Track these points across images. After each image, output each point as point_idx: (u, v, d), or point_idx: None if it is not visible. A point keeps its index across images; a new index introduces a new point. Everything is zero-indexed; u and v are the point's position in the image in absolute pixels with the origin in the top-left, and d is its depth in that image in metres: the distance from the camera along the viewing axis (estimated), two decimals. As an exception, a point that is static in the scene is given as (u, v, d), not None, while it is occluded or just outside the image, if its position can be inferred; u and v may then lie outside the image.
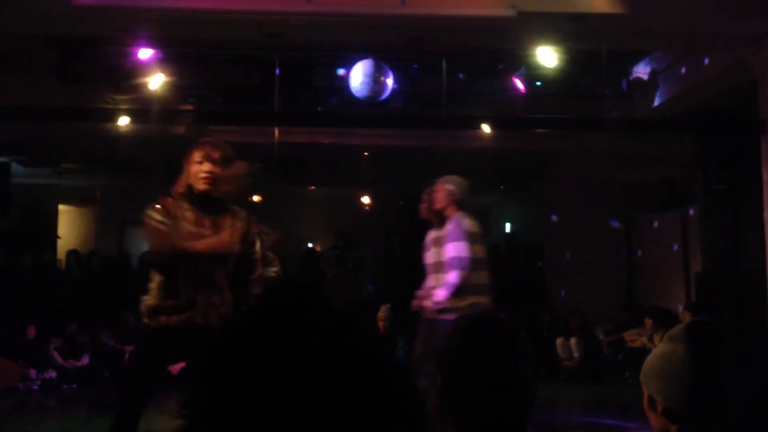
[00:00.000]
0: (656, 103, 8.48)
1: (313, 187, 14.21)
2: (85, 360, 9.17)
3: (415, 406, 0.72)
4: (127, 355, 9.35)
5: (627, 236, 11.44)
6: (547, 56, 7.61)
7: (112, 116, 8.24)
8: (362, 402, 0.69)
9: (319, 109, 8.65)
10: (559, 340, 9.86)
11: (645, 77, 8.64)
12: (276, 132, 8.52)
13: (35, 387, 8.72)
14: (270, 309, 0.74)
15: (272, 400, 0.68)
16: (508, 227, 15.38)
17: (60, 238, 13.23)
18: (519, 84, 8.32)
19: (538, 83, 8.52)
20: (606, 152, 10.17)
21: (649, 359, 1.77)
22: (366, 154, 11.01)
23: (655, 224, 11.03)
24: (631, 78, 8.84)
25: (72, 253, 11.70)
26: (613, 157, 10.35)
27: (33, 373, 8.72)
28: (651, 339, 8.86)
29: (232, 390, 0.69)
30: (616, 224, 10.93)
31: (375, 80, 7.82)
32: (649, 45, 7.84)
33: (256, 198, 13.57)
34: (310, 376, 0.68)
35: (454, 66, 8.24)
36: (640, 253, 11.33)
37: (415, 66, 8.30)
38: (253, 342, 0.71)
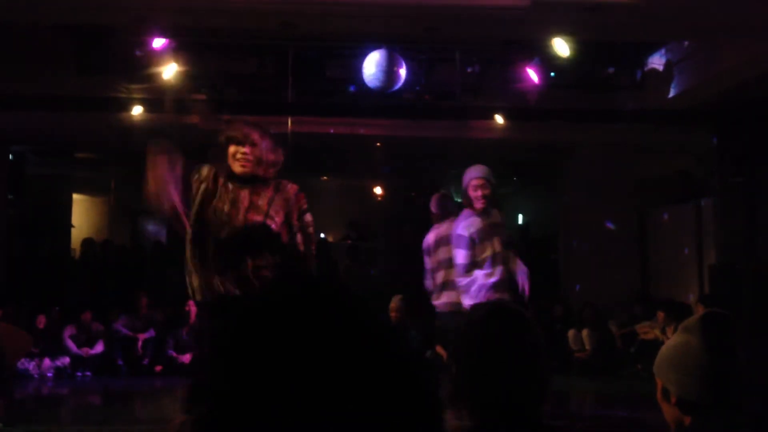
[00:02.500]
0: (671, 94, 8.41)
1: (325, 178, 14.21)
2: (99, 348, 9.24)
3: (432, 392, 0.72)
4: (140, 343, 9.42)
5: (641, 228, 11.38)
6: (561, 47, 7.56)
7: (126, 106, 8.28)
8: (381, 389, 0.69)
9: (332, 100, 8.65)
10: (571, 332, 9.84)
11: (660, 68, 8.57)
12: (289, 122, 8.52)
13: (49, 374, 8.80)
14: (286, 294, 0.73)
15: (288, 387, 0.68)
16: (520, 219, 15.33)
17: (74, 227, 13.31)
18: (533, 75, 8.27)
19: (552, 74, 8.47)
20: (620, 144, 10.11)
21: (663, 350, 1.76)
22: (378, 144, 10.99)
23: (670, 217, 10.97)
24: (645, 69, 8.76)
25: (87, 242, 11.78)
26: (627, 148, 10.29)
27: (47, 361, 8.80)
28: (664, 331, 8.83)
29: (247, 376, 0.69)
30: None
31: (388, 71, 7.80)
32: (665, 35, 7.77)
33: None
34: (328, 363, 0.68)
35: (468, 56, 8.20)
36: (653, 245, 11.27)
37: (429, 56, 8.26)
38: (268, 328, 0.70)
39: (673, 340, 1.79)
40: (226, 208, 3.38)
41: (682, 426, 1.67)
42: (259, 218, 3.39)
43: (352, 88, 8.07)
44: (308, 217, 3.54)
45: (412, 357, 0.72)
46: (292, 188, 3.54)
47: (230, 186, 3.44)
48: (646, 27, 6.93)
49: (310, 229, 3.53)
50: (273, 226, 3.40)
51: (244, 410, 0.68)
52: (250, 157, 3.45)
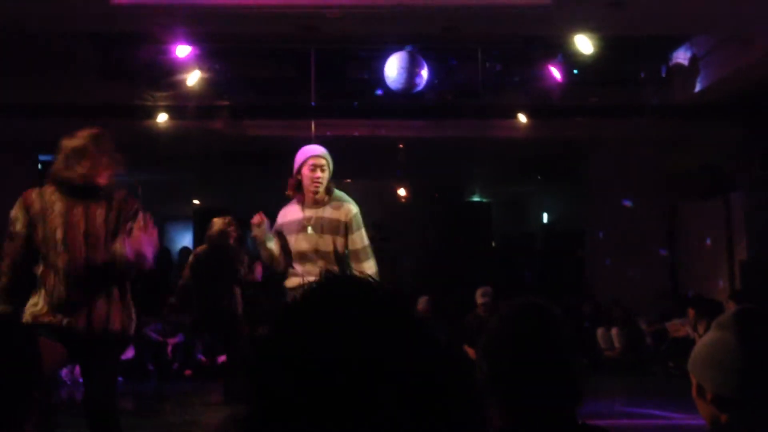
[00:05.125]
0: (697, 88, 8.32)
1: (348, 180, 14.24)
2: (129, 353, 9.33)
3: (472, 387, 0.72)
4: (170, 348, 9.50)
5: (669, 224, 11.26)
6: (584, 43, 7.50)
7: (151, 113, 8.37)
8: (422, 386, 0.69)
9: (354, 102, 8.67)
10: (599, 331, 9.76)
11: (685, 63, 8.48)
12: (312, 125, 8.56)
13: (80, 380, 8.89)
14: (327, 293, 0.74)
15: (330, 384, 0.68)
16: (545, 217, 15.26)
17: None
18: (555, 72, 8.22)
19: (576, 71, 8.41)
20: (646, 139, 10.02)
21: (698, 347, 1.74)
22: (401, 146, 11.00)
23: (698, 211, 10.84)
24: (670, 64, 8.68)
25: (115, 248, 11.90)
26: (653, 144, 10.19)
27: (79, 367, 8.91)
28: (695, 329, 8.72)
29: (290, 375, 0.69)
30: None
31: (410, 72, 7.80)
32: (689, 29, 7.69)
33: (291, 191, 13.65)
34: (370, 359, 0.68)
35: (490, 55, 8.18)
36: (682, 241, 11.14)
37: (450, 56, 8.25)
38: (311, 326, 0.71)
39: (707, 337, 1.77)
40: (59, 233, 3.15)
41: (718, 423, 1.64)
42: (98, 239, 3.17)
43: (379, 92, 8.07)
44: (141, 217, 3.31)
45: (456, 355, 0.72)
46: (118, 195, 3.33)
47: (59, 203, 3.19)
48: (670, 21, 6.86)
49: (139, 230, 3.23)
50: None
51: (288, 410, 0.68)
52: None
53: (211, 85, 8.09)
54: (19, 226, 3.20)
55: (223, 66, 8.06)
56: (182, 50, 7.56)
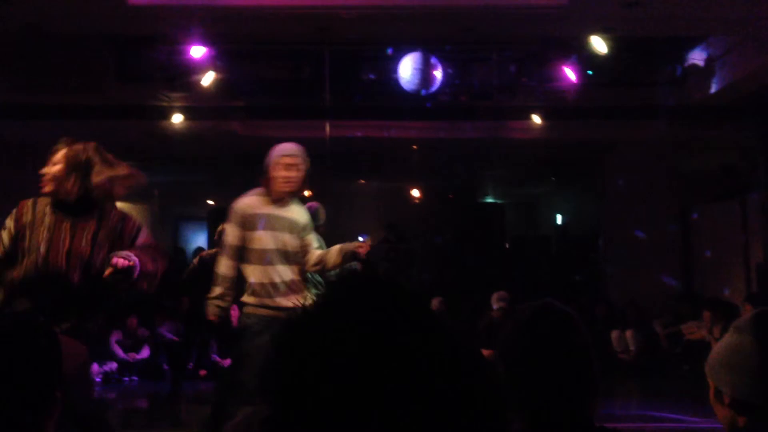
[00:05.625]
0: (713, 89, 8.27)
1: (362, 181, 14.26)
2: (144, 353, 9.39)
3: (496, 388, 0.73)
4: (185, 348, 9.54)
5: (684, 226, 11.19)
6: (599, 44, 7.48)
7: (167, 113, 8.41)
8: (447, 386, 0.69)
9: (368, 103, 8.67)
10: (614, 333, 9.71)
11: (701, 63, 8.43)
12: (327, 126, 8.57)
13: (97, 379, 8.97)
14: (348, 293, 0.74)
15: (352, 384, 0.68)
16: (559, 219, 15.20)
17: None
18: (570, 73, 8.19)
19: (590, 72, 8.38)
20: (661, 140, 9.96)
21: (715, 351, 1.73)
22: (415, 147, 11.00)
23: (714, 213, 10.77)
24: (686, 64, 8.63)
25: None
26: (669, 145, 10.14)
27: (95, 366, 8.96)
28: (711, 331, 8.66)
29: (313, 373, 0.70)
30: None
31: (424, 73, 7.80)
32: (705, 30, 7.64)
33: (306, 192, 13.70)
34: (392, 358, 0.69)
35: (504, 56, 8.17)
36: (697, 242, 11.07)
37: (465, 57, 8.24)
38: (332, 327, 0.71)
39: (724, 340, 1.76)
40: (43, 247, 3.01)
41: (736, 427, 1.64)
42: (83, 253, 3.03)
43: (389, 92, 8.07)
44: (143, 236, 3.18)
45: (478, 355, 0.73)
46: (116, 215, 3.17)
47: (49, 216, 3.07)
48: (685, 22, 6.82)
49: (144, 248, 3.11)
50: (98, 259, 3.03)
51: (310, 411, 0.69)
52: (48, 176, 3.09)
53: (225, 86, 8.13)
54: (5, 235, 3.10)
55: (237, 67, 8.09)
56: (197, 51, 7.60)
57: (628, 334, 9.60)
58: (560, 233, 14.30)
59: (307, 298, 3.93)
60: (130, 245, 3.12)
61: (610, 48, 7.52)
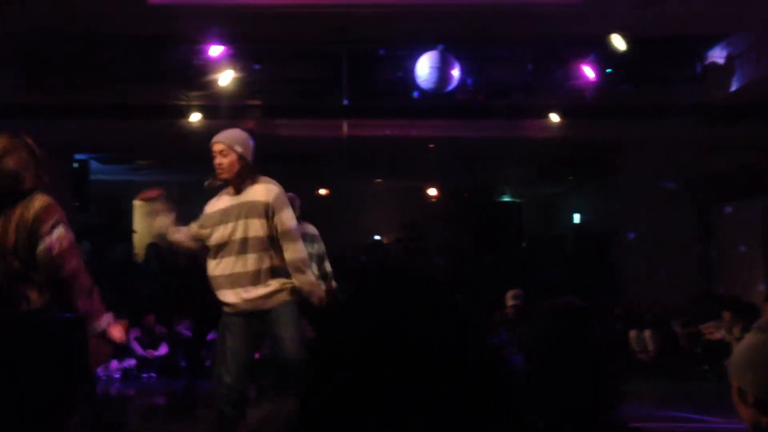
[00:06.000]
0: (733, 88, 8.19)
1: (379, 180, 14.27)
2: (163, 350, 9.45)
3: (512, 382, 0.73)
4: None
5: (704, 226, 11.10)
6: (618, 42, 7.43)
7: (186, 113, 8.46)
8: (474, 382, 0.69)
9: (385, 102, 8.67)
10: (632, 333, 9.65)
11: (721, 62, 8.35)
12: (344, 125, 8.58)
13: (116, 376, 9.04)
14: (377, 291, 0.75)
15: (386, 380, 0.69)
16: (577, 218, 15.13)
17: (135, 232, 13.65)
18: (588, 71, 8.14)
19: (608, 70, 8.32)
20: (680, 139, 9.89)
21: (737, 351, 1.72)
22: (431, 146, 10.99)
23: (734, 213, 10.67)
24: (706, 63, 8.55)
25: (151, 247, 12.04)
26: (688, 144, 10.06)
27: (114, 362, 9.04)
28: (731, 332, 8.60)
29: (347, 370, 0.70)
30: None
31: (441, 72, 7.78)
32: (726, 28, 7.57)
33: (322, 191, 13.74)
34: (421, 355, 0.69)
35: (522, 55, 8.13)
36: (716, 242, 10.98)
37: (482, 56, 8.21)
38: (363, 324, 0.72)
39: (747, 340, 1.75)
40: None
41: (760, 427, 1.62)
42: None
43: (416, 94, 8.03)
44: (54, 235, 2.89)
45: (496, 349, 0.73)
46: (39, 201, 2.94)
47: None
48: (705, 19, 6.76)
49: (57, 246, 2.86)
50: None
51: (346, 401, 0.69)
52: None
53: (243, 85, 8.16)
54: None
55: (255, 66, 8.11)
56: (216, 50, 7.64)
57: (647, 334, 9.54)
58: (577, 232, 14.24)
59: (271, 285, 3.85)
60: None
61: (629, 46, 7.46)
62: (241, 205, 3.93)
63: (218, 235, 3.94)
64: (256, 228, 3.89)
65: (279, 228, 3.89)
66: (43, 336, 1.42)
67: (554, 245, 13.93)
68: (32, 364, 1.38)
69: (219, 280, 3.94)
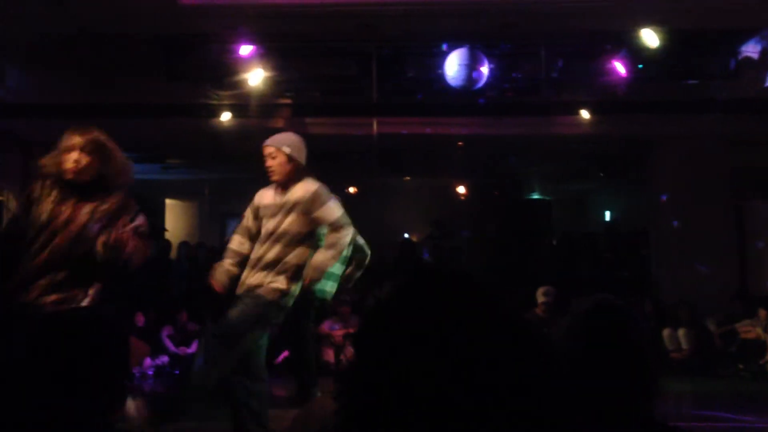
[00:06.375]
0: (768, 82, 8.06)
1: (407, 178, 14.26)
2: (194, 347, 9.54)
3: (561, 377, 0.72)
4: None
5: (738, 223, 10.92)
6: (649, 37, 7.33)
7: (215, 112, 8.53)
8: (520, 376, 0.69)
9: (414, 100, 8.66)
10: (665, 332, 9.53)
11: (755, 56, 8.21)
12: (374, 123, 8.59)
13: (150, 372, 9.15)
14: (422, 287, 0.74)
15: (428, 375, 0.68)
16: (608, 215, 14.99)
17: (167, 230, 13.80)
18: (619, 67, 8.06)
19: (640, 65, 8.22)
20: (714, 135, 9.74)
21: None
22: (460, 143, 10.95)
23: (769, 210, 10.49)
24: (740, 57, 8.41)
25: (183, 245, 12.18)
26: (721, 140, 9.91)
27: (148, 360, 9.15)
28: (766, 330, 8.46)
29: (389, 366, 0.70)
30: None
31: (470, 69, 7.75)
32: (761, 21, 7.44)
33: (352, 189, 13.78)
34: (467, 351, 0.69)
35: (552, 51, 8.07)
36: (752, 239, 10.80)
37: (511, 52, 8.17)
38: (409, 321, 0.71)
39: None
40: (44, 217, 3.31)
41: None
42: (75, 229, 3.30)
43: (444, 90, 8.02)
44: (137, 221, 3.37)
45: (549, 347, 0.72)
46: (116, 197, 3.41)
47: (54, 194, 3.36)
48: (739, 13, 6.65)
49: (125, 237, 3.27)
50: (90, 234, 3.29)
51: (388, 399, 0.69)
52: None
53: (273, 84, 8.20)
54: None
55: (285, 64, 8.15)
56: (245, 49, 7.69)
57: (681, 332, 9.41)
58: (609, 229, 14.10)
59: (268, 278, 4.07)
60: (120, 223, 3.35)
61: (661, 41, 7.37)
62: (285, 203, 4.13)
63: (265, 227, 4.17)
64: (290, 223, 4.08)
65: (319, 221, 4.10)
66: (95, 332, 1.47)
67: (585, 242, 13.81)
68: (84, 360, 1.43)
69: (248, 262, 4.18)
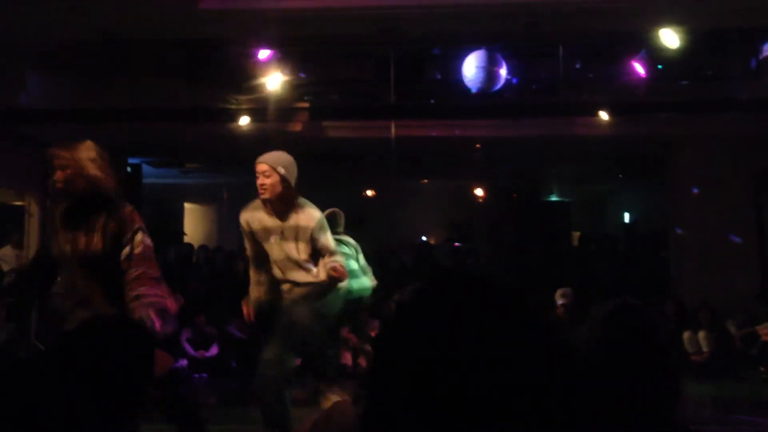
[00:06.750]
0: (790, 82, 7.97)
1: (425, 181, 14.26)
2: (213, 350, 9.59)
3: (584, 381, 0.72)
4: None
5: (759, 224, 10.81)
6: (669, 37, 7.29)
7: (235, 116, 8.58)
8: (544, 379, 0.69)
9: (433, 102, 8.66)
10: (686, 334, 9.45)
11: (777, 56, 8.13)
12: (392, 126, 8.59)
13: (169, 375, 9.21)
14: (443, 290, 0.75)
15: (450, 378, 0.69)
16: (627, 216, 14.89)
17: (186, 234, 13.89)
18: (639, 68, 8.01)
19: (660, 66, 8.17)
20: (734, 136, 9.65)
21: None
22: (478, 145, 10.93)
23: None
24: (761, 57, 8.33)
25: (202, 249, 12.25)
26: (742, 140, 9.81)
27: (167, 362, 9.22)
28: (788, 332, 8.36)
29: (411, 369, 0.70)
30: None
31: (488, 71, 7.74)
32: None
33: (369, 192, 13.79)
34: (490, 355, 0.69)
35: (570, 52, 8.03)
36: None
37: (530, 53, 8.14)
38: (430, 324, 0.72)
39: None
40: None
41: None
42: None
43: (462, 92, 8.01)
44: (139, 237, 3.35)
45: (571, 350, 0.72)
46: (123, 209, 3.38)
47: (69, 219, 3.33)
48: (759, 11, 6.59)
49: (137, 249, 3.32)
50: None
51: (410, 403, 0.69)
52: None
53: (292, 88, 8.23)
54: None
55: (303, 68, 8.18)
56: (264, 53, 7.72)
57: (701, 335, 9.33)
58: (628, 231, 14.02)
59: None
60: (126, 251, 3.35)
61: (681, 41, 7.32)
62: (290, 228, 4.11)
63: (279, 251, 4.17)
64: (301, 250, 4.12)
65: (320, 249, 4.15)
66: (121, 340, 1.50)
67: (605, 244, 13.73)
68: (110, 365, 1.45)
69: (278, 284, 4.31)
